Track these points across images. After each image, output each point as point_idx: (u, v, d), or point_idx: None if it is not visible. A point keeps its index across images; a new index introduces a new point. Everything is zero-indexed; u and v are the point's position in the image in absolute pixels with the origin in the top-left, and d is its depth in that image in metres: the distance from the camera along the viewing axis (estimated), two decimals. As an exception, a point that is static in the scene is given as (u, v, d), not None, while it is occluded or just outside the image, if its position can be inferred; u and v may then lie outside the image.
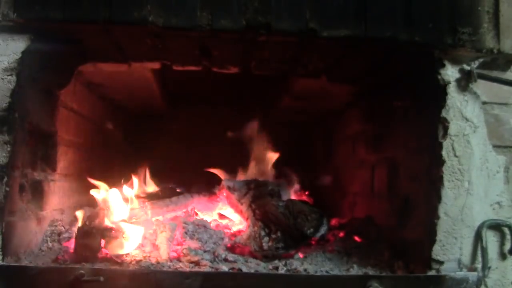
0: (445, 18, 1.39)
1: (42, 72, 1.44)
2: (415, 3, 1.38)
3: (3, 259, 1.26)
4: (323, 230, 1.62)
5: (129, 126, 2.75)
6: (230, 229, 1.87)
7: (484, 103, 1.46)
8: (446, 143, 1.39)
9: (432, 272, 1.37)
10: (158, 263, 1.42)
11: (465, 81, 1.41)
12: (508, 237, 1.41)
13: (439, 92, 1.41)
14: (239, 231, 1.82)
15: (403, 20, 1.38)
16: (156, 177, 2.33)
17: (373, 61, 1.64)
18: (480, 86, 1.44)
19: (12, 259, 1.30)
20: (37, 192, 1.50)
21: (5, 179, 1.27)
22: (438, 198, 1.38)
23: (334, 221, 2.01)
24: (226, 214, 2.03)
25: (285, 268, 1.46)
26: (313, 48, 1.53)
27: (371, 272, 1.45)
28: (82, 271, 1.22)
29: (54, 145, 1.62)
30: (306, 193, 2.38)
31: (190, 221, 1.77)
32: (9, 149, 1.28)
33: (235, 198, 1.96)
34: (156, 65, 1.77)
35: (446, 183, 1.38)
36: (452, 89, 1.41)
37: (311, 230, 1.60)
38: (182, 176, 2.43)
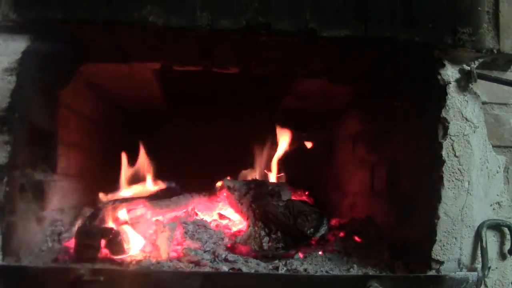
0: (445, 18, 1.39)
1: (42, 72, 1.44)
2: (415, 3, 1.39)
3: (3, 259, 1.26)
4: (323, 230, 1.62)
5: (129, 126, 2.75)
6: (230, 229, 1.87)
7: (484, 103, 1.46)
8: (446, 143, 1.39)
9: (432, 272, 1.37)
10: (158, 263, 1.42)
11: (465, 81, 1.41)
12: (508, 237, 1.41)
13: (439, 92, 1.41)
14: (239, 231, 1.82)
15: (403, 20, 1.38)
16: (156, 177, 2.33)
17: (373, 61, 1.65)
18: (480, 86, 1.44)
19: (12, 259, 1.30)
20: (37, 192, 1.50)
21: (5, 179, 1.27)
22: (438, 198, 1.38)
23: (334, 221, 2.01)
24: (226, 214, 2.03)
25: (285, 268, 1.46)
26: (313, 48, 1.53)
27: (371, 272, 1.45)
28: (82, 271, 1.22)
29: (54, 145, 1.62)
30: (306, 193, 2.38)
31: (190, 221, 1.77)
32: (9, 149, 1.28)
33: (235, 198, 1.96)
34: (156, 65, 1.77)
35: (446, 183, 1.38)
36: (452, 89, 1.41)
37: (311, 230, 1.60)
38: (182, 176, 2.43)
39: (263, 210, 1.70)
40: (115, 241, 1.45)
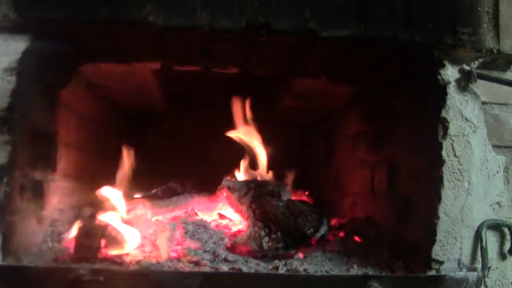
0: (445, 18, 1.39)
1: (42, 72, 1.44)
2: (415, 3, 1.39)
3: (3, 259, 1.26)
4: (323, 230, 1.62)
5: (129, 126, 2.75)
6: (230, 229, 1.87)
7: (484, 103, 1.46)
8: (446, 143, 1.39)
9: (432, 272, 1.37)
10: (158, 263, 1.42)
11: (465, 81, 1.41)
12: (508, 237, 1.41)
13: (439, 92, 1.41)
14: (239, 231, 1.82)
15: (403, 20, 1.38)
16: (156, 177, 2.33)
17: (373, 61, 1.65)
18: (480, 86, 1.44)
19: (12, 259, 1.30)
20: (37, 192, 1.50)
21: (5, 179, 1.27)
22: (438, 198, 1.38)
23: (334, 221, 2.01)
24: (226, 214, 2.03)
25: (285, 268, 1.46)
26: (313, 48, 1.53)
27: (371, 272, 1.45)
28: (82, 271, 1.22)
29: (54, 145, 1.62)
30: (306, 193, 2.38)
31: (190, 221, 1.77)
32: (9, 149, 1.28)
33: (235, 198, 1.96)
34: (156, 65, 1.77)
35: (446, 183, 1.38)
36: (452, 89, 1.41)
37: (311, 230, 1.60)
38: (182, 176, 2.43)
39: (263, 210, 1.70)
40: (115, 241, 1.45)
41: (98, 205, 1.72)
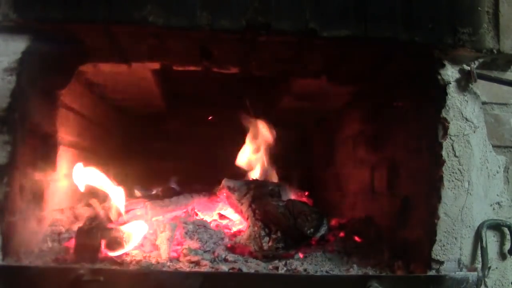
0: (445, 18, 1.39)
1: (42, 72, 1.43)
2: (415, 3, 1.39)
3: (3, 259, 1.26)
4: (323, 230, 1.62)
5: (129, 126, 2.75)
6: (230, 229, 1.87)
7: (484, 103, 1.46)
8: (446, 143, 1.39)
9: (432, 272, 1.37)
10: (158, 263, 1.42)
11: (465, 81, 1.41)
12: (508, 237, 1.41)
13: (439, 92, 1.41)
14: (239, 231, 1.82)
15: (403, 20, 1.38)
16: (156, 177, 2.34)
17: (373, 61, 1.65)
18: (480, 86, 1.44)
19: (12, 259, 1.30)
20: (37, 192, 1.49)
21: (5, 179, 1.27)
22: (438, 198, 1.38)
23: (334, 221, 2.01)
24: (226, 214, 2.03)
25: (285, 268, 1.46)
26: (313, 48, 1.53)
27: (371, 272, 1.45)
28: (82, 271, 1.22)
29: (54, 145, 1.62)
30: (306, 193, 2.38)
31: (190, 221, 1.77)
32: (9, 149, 1.28)
33: (235, 198, 1.96)
34: (156, 65, 1.77)
35: (446, 183, 1.38)
36: (452, 89, 1.41)
37: (311, 230, 1.60)
38: (182, 176, 2.43)
39: (263, 210, 1.70)
40: (115, 241, 1.45)
41: (98, 205, 1.72)
